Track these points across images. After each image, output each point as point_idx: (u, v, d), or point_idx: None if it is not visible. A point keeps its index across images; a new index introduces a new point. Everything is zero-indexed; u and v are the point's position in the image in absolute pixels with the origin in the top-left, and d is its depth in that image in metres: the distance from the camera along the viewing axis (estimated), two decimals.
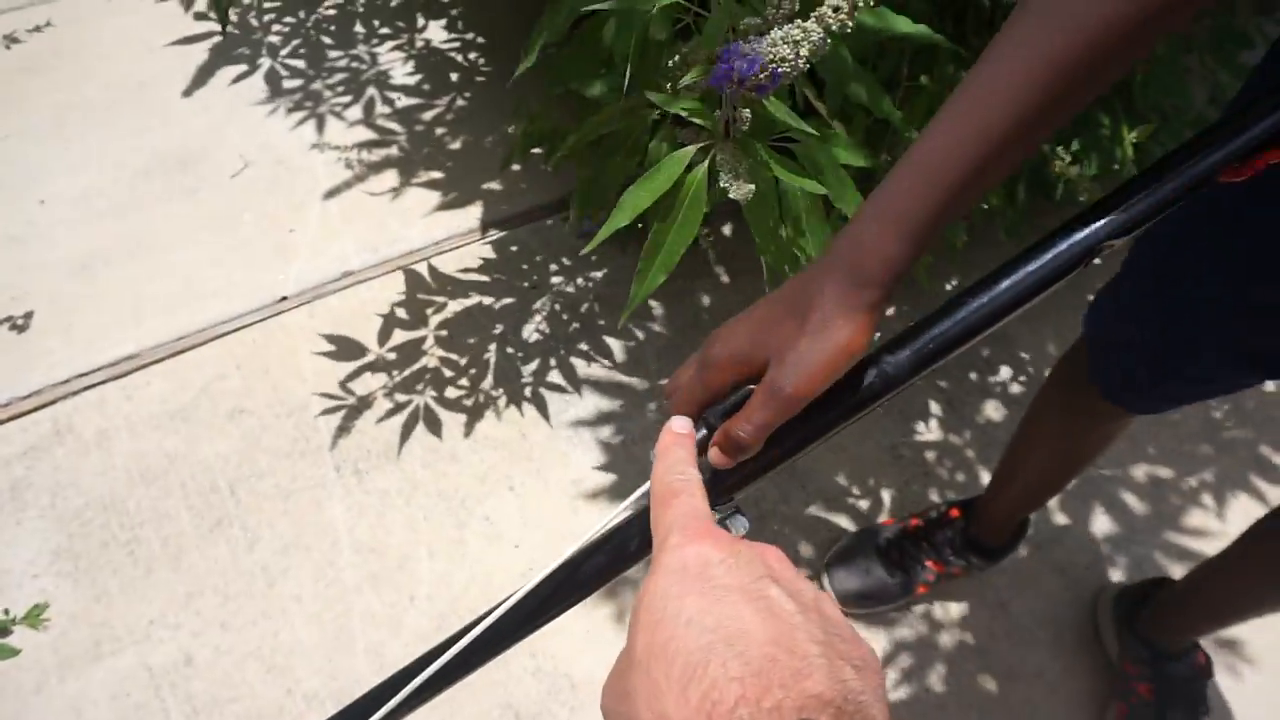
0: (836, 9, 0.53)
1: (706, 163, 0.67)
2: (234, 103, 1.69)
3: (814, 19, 0.54)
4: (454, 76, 1.74)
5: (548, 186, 1.59)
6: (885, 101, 0.82)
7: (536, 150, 1.47)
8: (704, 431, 0.42)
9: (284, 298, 1.45)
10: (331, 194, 1.56)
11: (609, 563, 0.42)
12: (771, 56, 0.55)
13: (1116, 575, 1.23)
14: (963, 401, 1.39)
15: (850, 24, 0.54)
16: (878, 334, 0.41)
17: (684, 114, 0.68)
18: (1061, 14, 0.38)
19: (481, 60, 1.76)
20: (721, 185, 0.64)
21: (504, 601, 0.41)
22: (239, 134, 1.64)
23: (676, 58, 0.74)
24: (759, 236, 0.70)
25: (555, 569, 0.41)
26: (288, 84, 1.71)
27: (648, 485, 0.38)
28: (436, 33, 1.81)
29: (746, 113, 0.65)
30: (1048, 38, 0.38)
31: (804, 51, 0.54)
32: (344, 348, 1.39)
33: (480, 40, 1.81)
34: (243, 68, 1.74)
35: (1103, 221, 0.42)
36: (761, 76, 0.56)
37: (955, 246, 1.24)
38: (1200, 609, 1.02)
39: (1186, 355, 0.75)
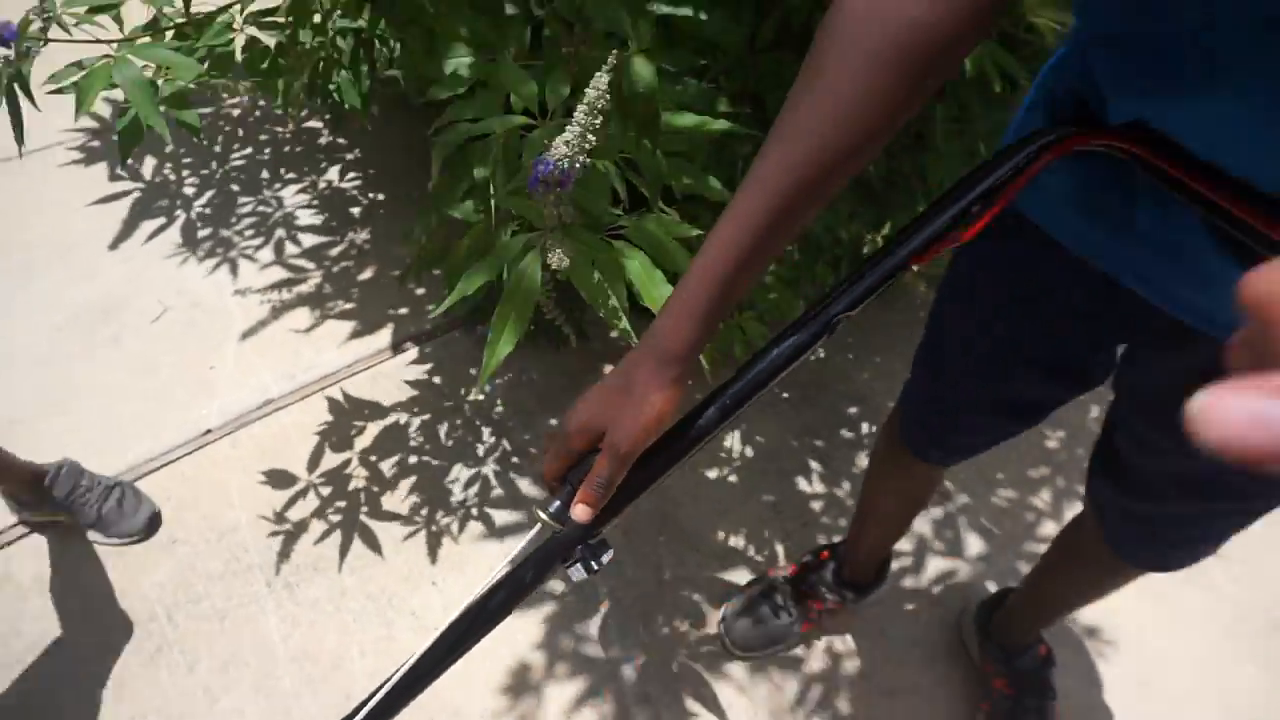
0: (589, 115, 0.69)
1: (538, 248, 0.83)
2: (153, 254, 1.82)
3: (572, 128, 0.70)
4: (356, 212, 1.90)
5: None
6: (709, 181, 0.99)
7: (436, 271, 1.64)
8: (569, 488, 0.56)
9: (208, 430, 1.55)
10: (248, 333, 1.68)
11: (510, 595, 0.55)
12: (557, 159, 0.71)
13: (979, 592, 1.40)
14: (834, 456, 1.56)
15: (593, 138, 0.70)
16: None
17: (514, 210, 0.85)
18: (795, 141, 0.50)
19: (380, 195, 1.94)
20: (546, 261, 0.80)
21: (430, 642, 0.53)
22: (159, 282, 1.77)
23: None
24: (588, 297, 0.85)
25: (466, 607, 0.55)
26: (202, 232, 1.86)
27: (532, 532, 0.53)
28: (337, 174, 1.99)
29: (568, 209, 0.82)
30: (789, 158, 0.50)
31: (574, 152, 0.70)
32: (272, 472, 1.50)
33: (377, 176, 1.99)
34: (160, 220, 1.88)
35: (836, 302, 0.58)
36: (555, 174, 0.72)
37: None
38: (1033, 608, 1.19)
39: (956, 410, 0.91)
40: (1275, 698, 1.30)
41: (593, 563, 0.53)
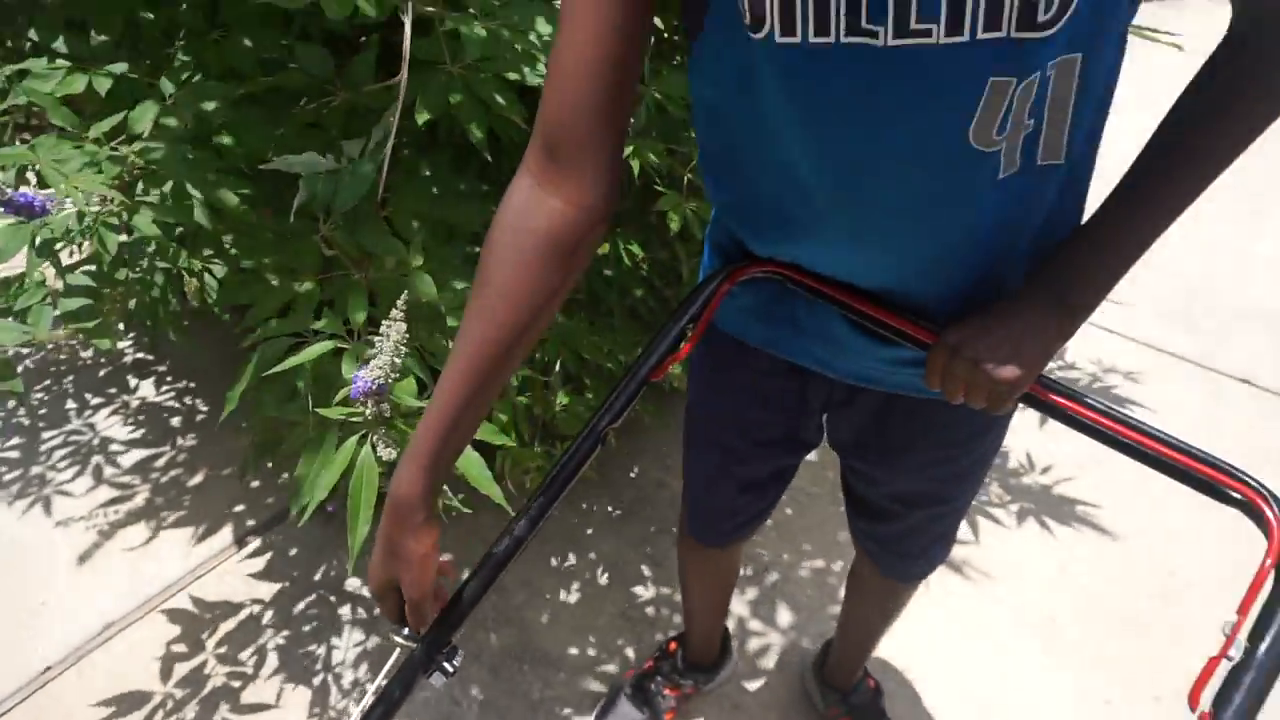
0: (396, 348, 0.87)
1: (368, 442, 0.98)
2: None
3: (382, 352, 0.87)
4: (175, 422, 1.95)
5: (283, 491, 1.82)
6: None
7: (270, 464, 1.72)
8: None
9: (48, 668, 1.52)
10: (82, 558, 1.68)
11: (385, 712, 0.65)
12: (373, 377, 0.88)
13: (812, 647, 1.59)
14: (665, 557, 1.74)
15: (399, 359, 0.88)
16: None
17: (342, 417, 1.00)
18: (479, 324, 0.64)
19: (199, 402, 2.00)
20: (378, 455, 0.95)
21: None
22: None
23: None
24: None
25: None
26: (8, 476, 1.84)
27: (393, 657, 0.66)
28: (149, 389, 2.04)
29: (385, 406, 0.98)
30: (476, 336, 0.64)
31: (389, 374, 0.88)
32: (123, 696, 1.48)
33: (192, 385, 2.05)
34: None
35: (601, 419, 0.75)
36: (373, 388, 0.89)
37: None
38: (851, 648, 1.39)
39: (718, 498, 1.09)
40: (1066, 682, 1.56)
41: (447, 665, 0.68)
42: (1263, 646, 0.59)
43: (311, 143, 1.05)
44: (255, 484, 1.83)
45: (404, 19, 0.94)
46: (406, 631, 0.70)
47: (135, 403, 2.00)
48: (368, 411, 0.91)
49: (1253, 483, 0.67)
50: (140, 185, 1.17)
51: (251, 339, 1.11)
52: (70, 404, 2.00)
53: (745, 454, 1.02)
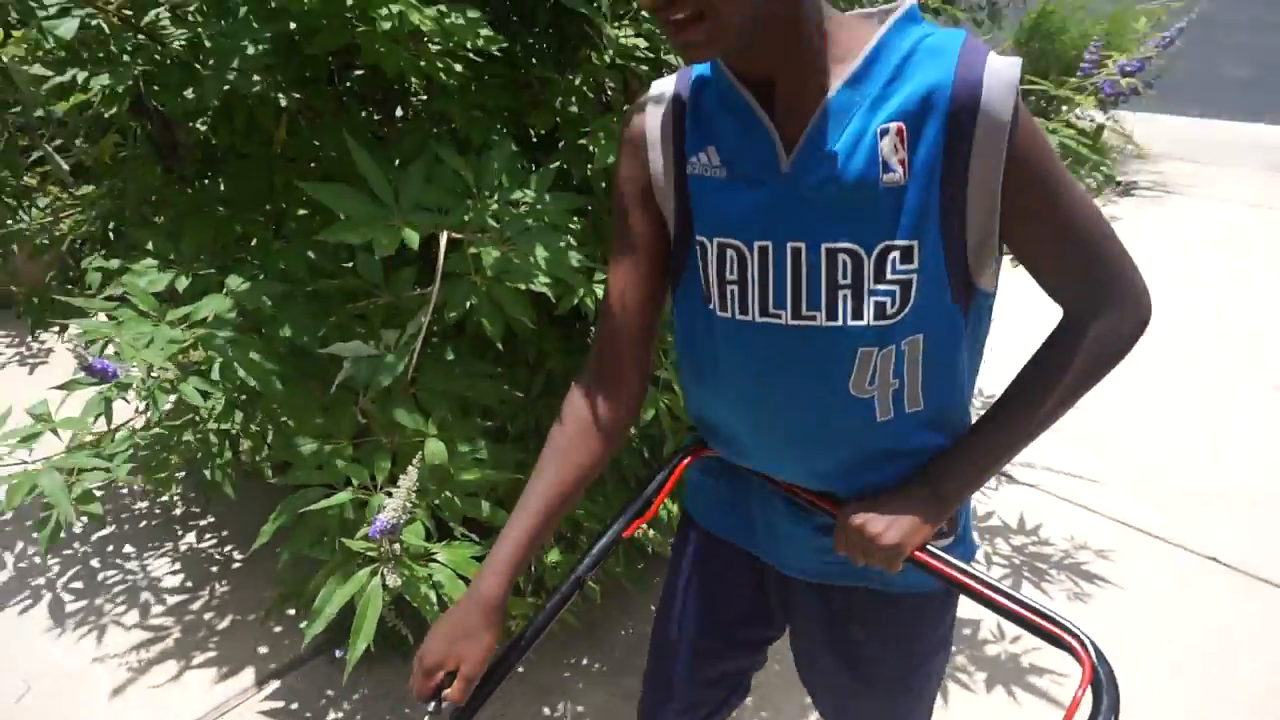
0: (409, 495, 1.07)
1: (378, 575, 1.17)
2: (18, 631, 1.96)
3: (396, 499, 1.08)
4: (214, 569, 2.15)
5: (300, 638, 1.98)
6: (498, 513, 1.37)
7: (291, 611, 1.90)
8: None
9: None
10: (116, 692, 1.83)
11: None
12: (388, 518, 1.08)
13: None
14: None
15: (411, 504, 1.08)
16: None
17: (363, 549, 1.19)
18: (543, 487, 0.91)
19: (236, 553, 2.20)
20: (386, 583, 1.14)
21: None
22: (24, 660, 1.90)
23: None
24: (416, 602, 1.18)
25: None
26: (70, 607, 2.03)
27: None
28: (195, 538, 2.25)
29: (398, 546, 1.17)
30: (546, 481, 0.91)
31: (401, 516, 1.08)
32: None
33: (231, 537, 2.26)
34: (27, 601, 2.04)
35: (580, 567, 0.95)
36: (388, 526, 1.09)
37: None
38: None
39: (669, 686, 1.15)
40: None
41: None
42: None
43: (356, 332, 1.31)
44: (278, 629, 1.99)
45: (440, 241, 1.22)
46: (432, 707, 0.87)
47: (184, 548, 2.21)
48: (382, 547, 1.12)
49: (1073, 629, 0.83)
50: (201, 361, 1.43)
51: (293, 497, 1.33)
52: (127, 546, 2.21)
53: (722, 651, 1.13)
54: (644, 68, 1.65)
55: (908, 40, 0.78)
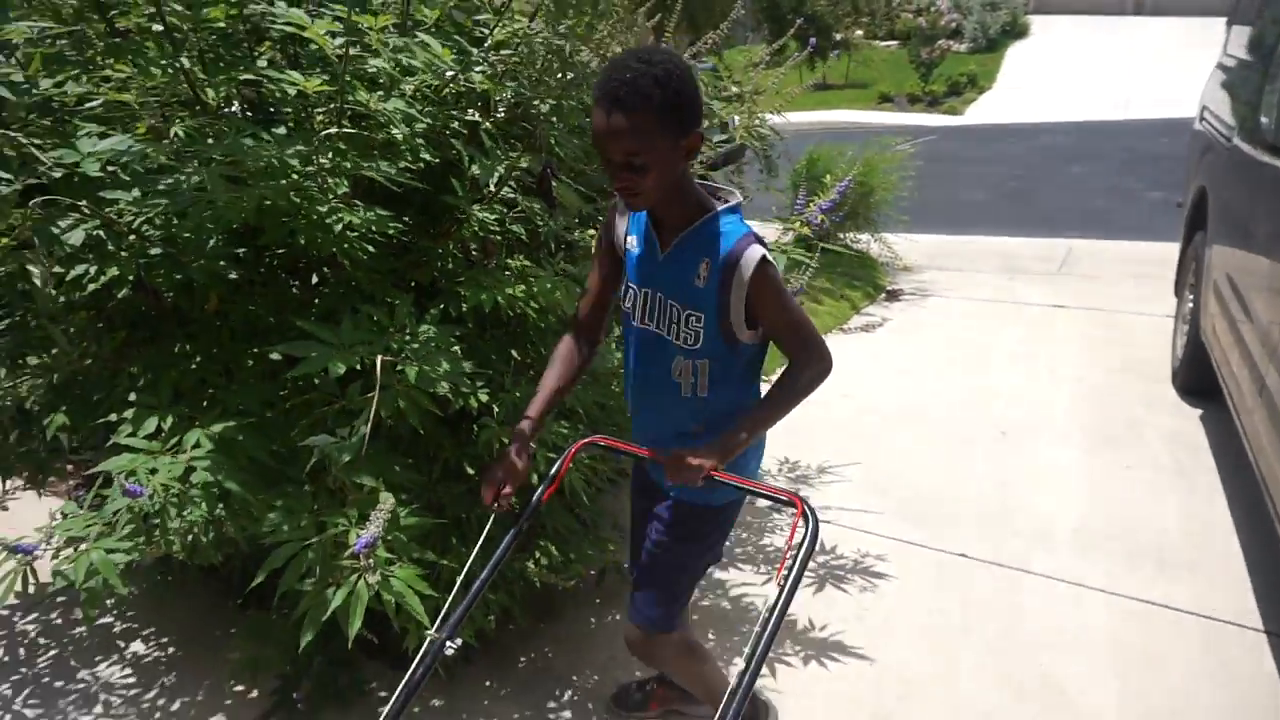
0: (381, 522, 1.61)
1: (362, 580, 1.67)
2: None
3: (375, 523, 1.61)
4: (161, 666, 2.49)
5: (253, 704, 2.35)
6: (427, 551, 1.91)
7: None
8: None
9: None
10: None
11: (425, 671, 1.35)
12: (369, 535, 1.61)
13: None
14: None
15: (383, 531, 1.63)
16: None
17: (350, 564, 1.69)
18: (557, 364, 1.78)
19: (179, 653, 2.55)
20: (369, 582, 1.65)
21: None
22: None
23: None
24: (386, 599, 1.69)
25: (401, 685, 1.33)
26: (30, 715, 2.31)
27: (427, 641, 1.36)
28: (138, 645, 2.58)
29: (372, 561, 1.69)
30: (555, 371, 1.77)
31: (378, 535, 1.61)
32: None
33: (173, 641, 2.60)
34: None
35: (513, 529, 1.54)
36: (371, 544, 1.61)
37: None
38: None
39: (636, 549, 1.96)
40: None
41: (450, 645, 1.39)
42: (790, 575, 1.40)
43: (321, 429, 1.86)
44: (227, 701, 2.36)
45: (378, 363, 1.81)
46: (435, 628, 1.41)
47: (129, 655, 2.54)
48: (362, 561, 1.64)
49: (788, 491, 1.53)
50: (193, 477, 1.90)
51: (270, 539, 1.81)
52: (74, 662, 2.51)
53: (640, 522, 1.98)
54: (496, 236, 2.34)
55: (719, 224, 1.61)
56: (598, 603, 2.80)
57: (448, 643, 1.43)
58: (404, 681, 1.39)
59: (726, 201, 1.65)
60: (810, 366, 1.66)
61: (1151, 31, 17.93)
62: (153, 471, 1.81)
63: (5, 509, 3.36)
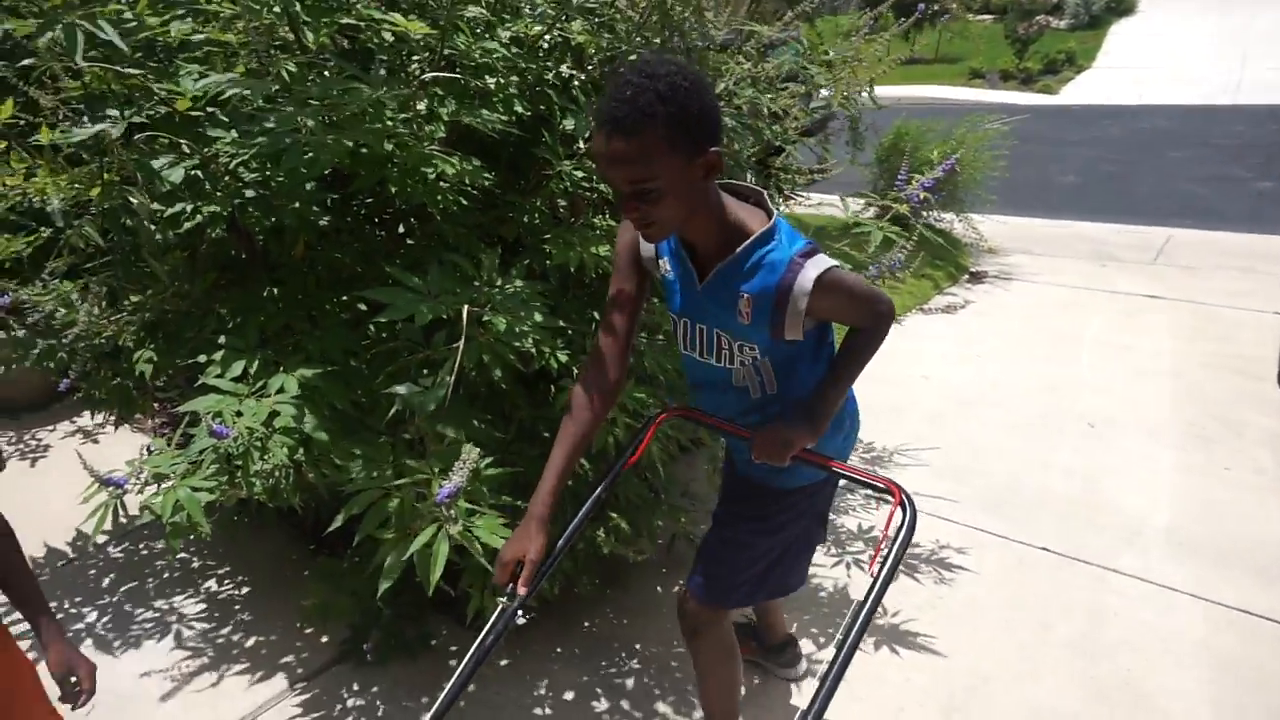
0: (466, 472, 1.59)
1: (443, 530, 1.65)
2: None
3: (460, 473, 1.59)
4: (236, 606, 2.55)
5: (324, 649, 2.39)
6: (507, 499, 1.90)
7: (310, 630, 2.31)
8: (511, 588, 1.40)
9: None
10: (165, 698, 2.20)
11: (497, 637, 1.36)
12: (454, 484, 1.59)
13: None
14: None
15: (466, 481, 1.60)
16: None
17: (432, 512, 1.67)
18: (566, 432, 1.53)
19: (254, 593, 2.60)
20: (451, 533, 1.63)
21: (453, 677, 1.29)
22: None
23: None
24: (471, 547, 1.68)
25: (473, 649, 1.31)
26: (110, 638, 2.39)
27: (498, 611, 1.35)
28: (214, 583, 2.64)
29: (453, 511, 1.67)
30: (564, 441, 1.53)
31: (462, 485, 1.59)
32: None
33: (246, 580, 2.66)
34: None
35: (589, 500, 1.52)
36: (455, 494, 1.59)
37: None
38: None
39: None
40: None
41: (520, 615, 1.38)
42: (885, 566, 1.34)
43: (402, 378, 1.85)
44: (297, 643, 2.40)
45: (463, 314, 1.78)
46: (505, 596, 1.39)
47: (205, 590, 2.60)
48: (443, 511, 1.63)
49: (883, 477, 1.46)
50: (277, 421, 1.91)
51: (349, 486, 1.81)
52: (152, 593, 2.58)
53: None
54: (586, 192, 2.29)
55: (759, 253, 1.43)
56: (664, 571, 2.77)
57: (518, 613, 1.41)
58: (474, 647, 1.36)
59: (760, 207, 1.48)
60: (873, 321, 1.55)
61: (1268, 14, 16.85)
62: (238, 414, 1.82)
63: (96, 442, 3.48)
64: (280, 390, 1.87)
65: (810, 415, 1.53)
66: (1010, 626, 2.58)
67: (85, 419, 3.62)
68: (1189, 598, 2.69)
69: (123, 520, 1.69)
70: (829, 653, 1.28)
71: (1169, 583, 2.76)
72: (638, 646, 2.48)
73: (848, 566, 2.83)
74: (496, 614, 1.39)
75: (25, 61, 1.96)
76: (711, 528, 1.86)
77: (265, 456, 1.82)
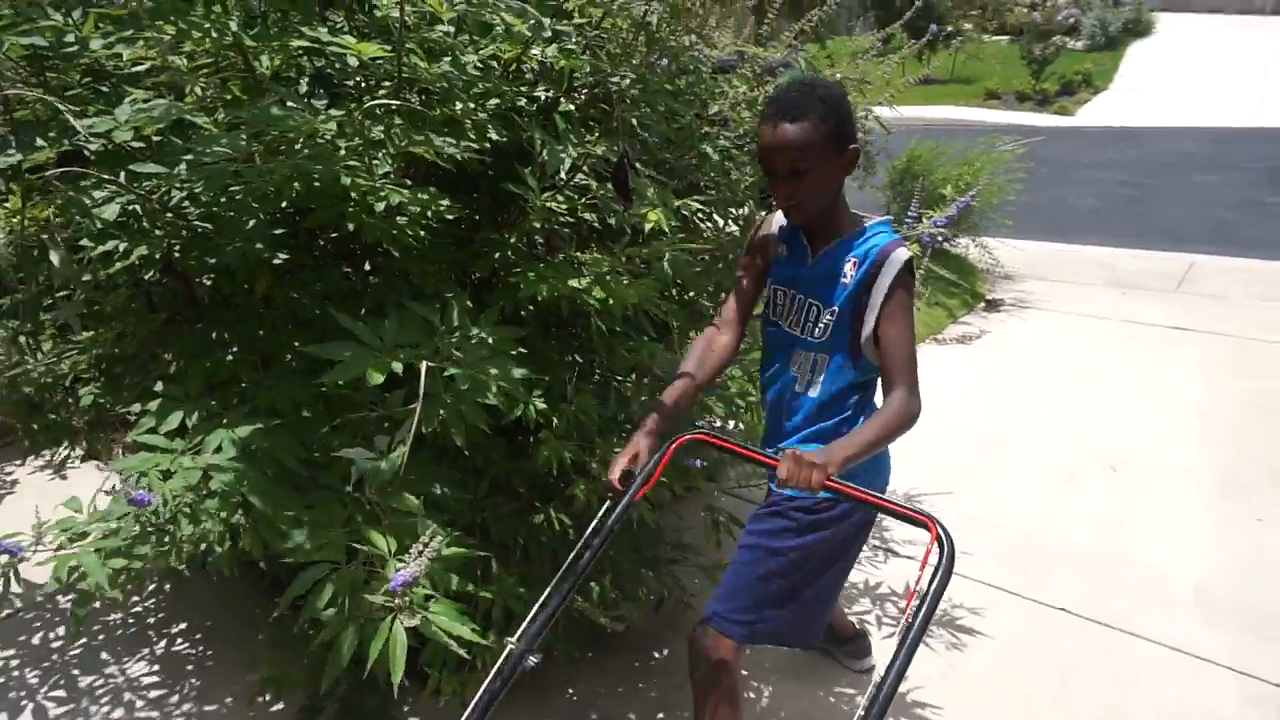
0: (424, 557, 1.41)
1: (399, 621, 1.47)
2: None
3: (417, 560, 1.41)
4: (189, 668, 2.36)
5: (277, 718, 2.21)
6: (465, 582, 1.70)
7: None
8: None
9: None
10: None
11: (505, 681, 1.24)
12: (410, 573, 1.40)
13: None
14: None
15: (426, 566, 1.42)
16: None
17: (383, 601, 1.49)
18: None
19: (210, 652, 2.42)
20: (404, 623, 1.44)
21: None
22: None
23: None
24: (427, 632, 1.48)
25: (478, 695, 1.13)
26: (54, 712, 2.21)
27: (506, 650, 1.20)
28: (166, 644, 2.46)
29: (408, 598, 1.48)
30: (686, 370, 1.76)
31: (419, 572, 1.40)
32: None
33: (204, 640, 2.48)
34: (6, 713, 2.21)
35: (609, 513, 1.37)
36: (410, 582, 1.41)
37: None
38: None
39: None
40: None
41: (531, 658, 1.28)
42: (922, 608, 1.24)
43: (357, 441, 1.66)
44: (250, 714, 2.21)
45: (421, 369, 1.60)
46: (516, 638, 1.28)
47: (160, 651, 2.42)
48: (399, 599, 1.44)
49: (921, 509, 1.34)
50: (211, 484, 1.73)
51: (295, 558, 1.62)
52: (104, 654, 2.41)
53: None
54: (564, 227, 2.11)
55: (872, 231, 1.70)
56: (650, 635, 2.57)
57: (528, 656, 1.33)
58: (480, 692, 1.30)
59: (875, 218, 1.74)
60: (901, 404, 1.61)
61: None
62: (167, 475, 1.64)
63: (64, 478, 3.32)
64: (218, 450, 1.69)
65: (835, 447, 1.53)
66: (1027, 699, 2.36)
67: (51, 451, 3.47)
68: (1223, 670, 2.46)
69: (17, 590, 1.51)
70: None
71: (1200, 652, 2.54)
72: (632, 717, 2.28)
73: (876, 601, 2.62)
74: (503, 657, 1.32)
75: None
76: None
77: (197, 524, 1.64)
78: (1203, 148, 10.78)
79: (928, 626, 1.26)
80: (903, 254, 1.65)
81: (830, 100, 1.58)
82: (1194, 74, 15.36)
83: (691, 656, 1.79)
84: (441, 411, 1.64)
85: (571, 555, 1.45)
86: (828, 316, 1.70)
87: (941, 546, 1.32)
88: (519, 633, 1.34)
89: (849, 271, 1.68)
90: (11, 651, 2.42)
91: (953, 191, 5.73)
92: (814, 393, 1.76)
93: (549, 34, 1.88)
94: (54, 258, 1.59)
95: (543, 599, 1.40)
